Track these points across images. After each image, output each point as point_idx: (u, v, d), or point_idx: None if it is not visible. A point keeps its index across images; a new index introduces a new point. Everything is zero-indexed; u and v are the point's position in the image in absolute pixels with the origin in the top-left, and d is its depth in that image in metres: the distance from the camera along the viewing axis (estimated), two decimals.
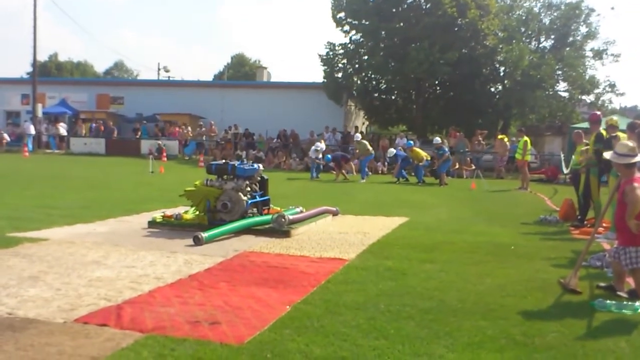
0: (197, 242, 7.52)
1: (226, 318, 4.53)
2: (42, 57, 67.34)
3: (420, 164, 21.04)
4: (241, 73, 65.88)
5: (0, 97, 40.37)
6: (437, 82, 34.77)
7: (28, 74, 56.44)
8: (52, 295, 5.03)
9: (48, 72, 62.71)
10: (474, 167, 24.90)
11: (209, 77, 68.82)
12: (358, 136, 23.86)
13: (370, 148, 22.32)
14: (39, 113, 34.98)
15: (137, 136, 33.21)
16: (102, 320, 4.39)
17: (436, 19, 30.80)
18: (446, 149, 21.80)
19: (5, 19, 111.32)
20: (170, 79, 57.45)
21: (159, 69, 63.43)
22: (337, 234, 8.75)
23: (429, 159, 21.57)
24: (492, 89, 35.98)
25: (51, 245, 7.19)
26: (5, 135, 34.03)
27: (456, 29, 32.19)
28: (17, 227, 8.24)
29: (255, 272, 6.17)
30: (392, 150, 23.38)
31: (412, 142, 23.64)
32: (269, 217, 8.86)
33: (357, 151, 22.75)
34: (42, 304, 4.80)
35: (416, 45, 30.83)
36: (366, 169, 22.21)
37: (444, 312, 4.84)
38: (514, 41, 32.88)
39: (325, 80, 34.27)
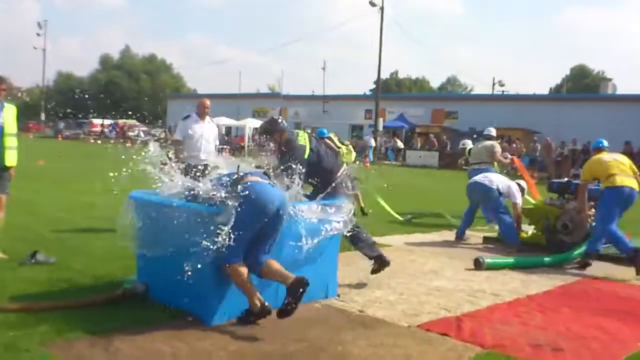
0: (478, 266, 7.06)
1: (570, 346, 4.28)
2: (385, 74, 72.95)
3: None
4: (581, 85, 61.95)
5: (346, 112, 45.25)
6: None
7: (370, 90, 61.70)
8: (396, 299, 5.37)
9: (389, 88, 67.62)
10: None
11: (544, 91, 66.36)
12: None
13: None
14: (380, 127, 38.03)
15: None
16: (443, 329, 4.51)
17: None
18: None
19: (353, 41, 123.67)
20: (504, 93, 56.88)
21: (493, 83, 63.19)
22: None
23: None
24: None
25: (394, 251, 7.65)
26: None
27: None
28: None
29: (601, 301, 5.70)
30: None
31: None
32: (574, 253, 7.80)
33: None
34: (387, 306, 5.15)
35: None
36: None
37: None
38: None
39: None
